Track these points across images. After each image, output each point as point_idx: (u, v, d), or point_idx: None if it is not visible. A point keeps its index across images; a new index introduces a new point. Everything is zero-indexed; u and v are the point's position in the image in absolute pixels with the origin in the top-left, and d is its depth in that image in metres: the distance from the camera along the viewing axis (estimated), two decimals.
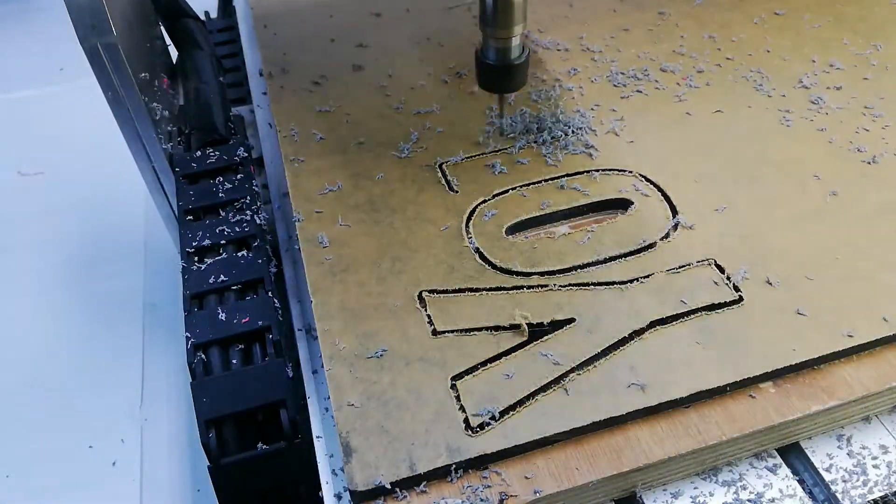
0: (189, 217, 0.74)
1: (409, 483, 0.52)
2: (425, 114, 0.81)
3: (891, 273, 0.63)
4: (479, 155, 0.76)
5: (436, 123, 0.80)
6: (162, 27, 0.95)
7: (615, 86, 0.84)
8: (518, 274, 0.65)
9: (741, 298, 0.62)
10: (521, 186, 0.73)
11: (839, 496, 0.55)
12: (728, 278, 0.63)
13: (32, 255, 1.14)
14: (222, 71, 0.97)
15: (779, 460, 0.57)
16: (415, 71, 0.88)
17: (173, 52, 0.96)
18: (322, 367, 0.60)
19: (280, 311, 0.65)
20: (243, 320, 0.63)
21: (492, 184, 0.73)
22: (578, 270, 0.65)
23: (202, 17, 1.14)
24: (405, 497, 0.52)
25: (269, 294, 0.65)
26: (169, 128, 0.84)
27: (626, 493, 0.55)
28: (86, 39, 0.71)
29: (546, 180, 0.73)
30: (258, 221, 0.72)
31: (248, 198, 0.75)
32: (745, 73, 0.84)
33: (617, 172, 0.73)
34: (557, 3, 0.98)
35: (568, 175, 0.73)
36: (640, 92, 0.83)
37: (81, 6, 0.70)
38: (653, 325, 0.60)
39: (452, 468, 0.53)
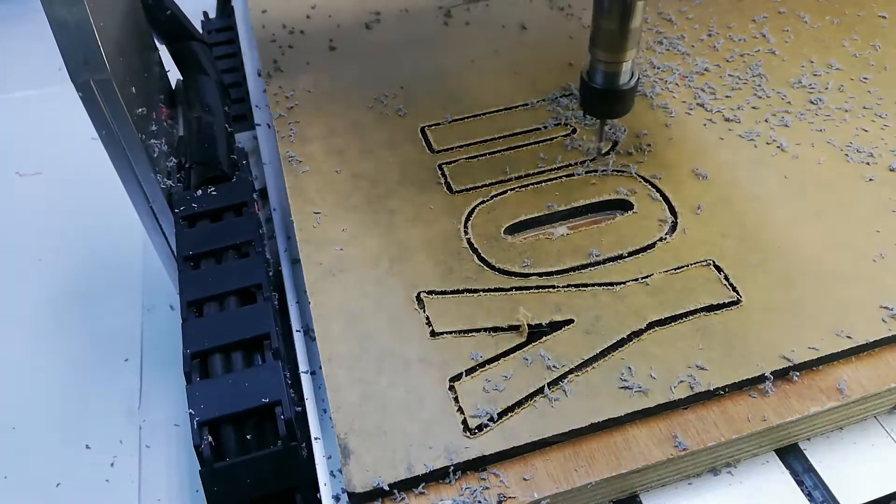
0: (189, 264, 0.68)
1: (408, 484, 0.52)
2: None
3: (890, 274, 0.63)
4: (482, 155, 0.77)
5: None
6: (160, 50, 0.88)
7: None
8: (516, 275, 0.65)
9: (739, 299, 0.62)
10: (520, 188, 0.72)
11: (838, 497, 0.55)
12: (727, 279, 0.63)
13: (32, 254, 1.14)
14: (228, 100, 0.89)
15: (778, 462, 0.57)
16: (414, 71, 0.87)
17: (172, 72, 0.90)
18: (320, 368, 0.59)
19: (290, 381, 0.61)
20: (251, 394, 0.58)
21: (491, 185, 0.73)
22: (577, 271, 0.65)
23: (201, 18, 1.14)
24: (403, 498, 0.52)
25: (276, 353, 0.61)
26: (168, 163, 0.78)
27: (624, 494, 0.55)
28: (77, 75, 0.65)
29: (548, 181, 0.73)
30: (264, 270, 0.67)
31: (253, 242, 0.69)
32: (744, 74, 0.84)
33: (615, 173, 0.73)
34: (557, 3, 0.97)
35: (567, 175, 0.74)
36: (639, 92, 0.83)
37: (72, 40, 0.63)
38: (651, 326, 0.60)
39: (451, 469, 0.52)
